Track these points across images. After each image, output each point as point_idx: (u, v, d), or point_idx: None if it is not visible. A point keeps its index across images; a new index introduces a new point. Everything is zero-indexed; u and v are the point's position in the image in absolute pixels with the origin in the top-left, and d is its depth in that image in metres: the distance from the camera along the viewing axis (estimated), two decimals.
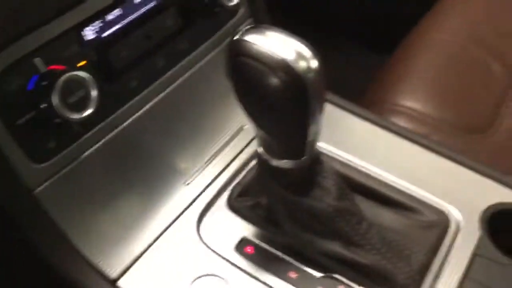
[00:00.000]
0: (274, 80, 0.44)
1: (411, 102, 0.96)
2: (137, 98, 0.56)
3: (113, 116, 0.54)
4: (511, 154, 0.90)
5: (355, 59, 1.38)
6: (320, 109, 0.48)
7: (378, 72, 1.05)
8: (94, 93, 0.49)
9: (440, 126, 0.94)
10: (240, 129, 0.65)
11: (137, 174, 0.57)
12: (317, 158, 0.54)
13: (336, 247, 0.53)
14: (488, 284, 0.53)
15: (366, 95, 1.00)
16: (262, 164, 0.53)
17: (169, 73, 0.60)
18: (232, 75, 0.47)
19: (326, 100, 0.69)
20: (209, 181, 0.60)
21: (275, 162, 0.51)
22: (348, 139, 0.66)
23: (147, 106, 0.58)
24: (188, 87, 0.62)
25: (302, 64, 0.44)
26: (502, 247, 0.57)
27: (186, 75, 0.62)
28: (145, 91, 0.57)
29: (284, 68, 0.44)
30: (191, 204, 0.58)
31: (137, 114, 0.57)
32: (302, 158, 0.51)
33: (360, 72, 1.14)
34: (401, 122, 0.92)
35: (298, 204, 0.53)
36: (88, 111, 0.49)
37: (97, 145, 0.53)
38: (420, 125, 0.93)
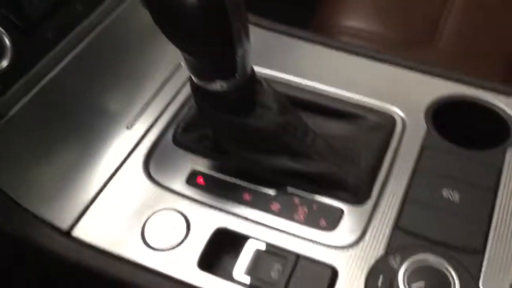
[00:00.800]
0: None
1: (355, 22, 0.97)
2: (58, 48, 0.54)
3: (35, 69, 0.53)
4: (455, 58, 0.92)
5: None
6: (244, 24, 0.47)
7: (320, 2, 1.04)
8: (6, 43, 0.47)
9: (386, 42, 0.94)
10: (178, 65, 0.64)
11: (72, 124, 0.56)
12: (254, 78, 0.53)
13: (285, 162, 0.53)
14: (438, 172, 0.54)
15: (312, 24, 1.00)
16: (197, 91, 0.52)
17: (89, 19, 0.58)
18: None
19: (261, 26, 0.69)
20: (152, 121, 0.59)
21: (209, 86, 0.50)
22: (287, 61, 0.65)
23: (72, 55, 0.56)
24: (114, 31, 0.60)
25: None
26: (449, 138, 0.58)
27: (109, 19, 0.60)
28: (66, 40, 0.55)
29: None
30: (136, 146, 0.57)
31: (61, 65, 0.55)
32: (235, 77, 0.50)
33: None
34: None
35: (241, 125, 0.52)
36: (3, 63, 0.47)
37: (23, 100, 0.52)
38: (366, 43, 0.94)
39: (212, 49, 0.47)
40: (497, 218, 0.51)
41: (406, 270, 0.45)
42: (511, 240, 0.49)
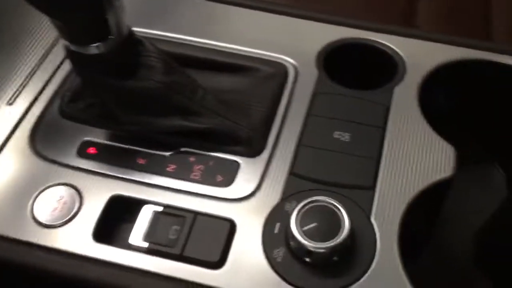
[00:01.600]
0: None
1: None
2: None
3: None
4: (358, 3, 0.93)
5: None
6: None
7: None
8: None
9: None
10: (59, 37, 0.61)
11: None
12: (133, 38, 0.51)
13: (176, 121, 0.52)
14: (330, 115, 0.55)
15: None
16: (74, 57, 0.49)
17: None
18: None
19: None
20: (35, 94, 0.56)
21: (85, 50, 0.48)
22: (172, 19, 0.63)
23: None
24: None
25: None
26: (342, 82, 0.59)
27: None
28: None
29: None
30: (19, 122, 0.54)
31: None
32: (111, 38, 0.48)
33: None
34: None
35: (126, 89, 0.50)
36: None
37: None
38: None
39: (78, 11, 0.45)
40: (386, 155, 0.52)
41: (298, 213, 0.45)
42: (401, 175, 0.51)
